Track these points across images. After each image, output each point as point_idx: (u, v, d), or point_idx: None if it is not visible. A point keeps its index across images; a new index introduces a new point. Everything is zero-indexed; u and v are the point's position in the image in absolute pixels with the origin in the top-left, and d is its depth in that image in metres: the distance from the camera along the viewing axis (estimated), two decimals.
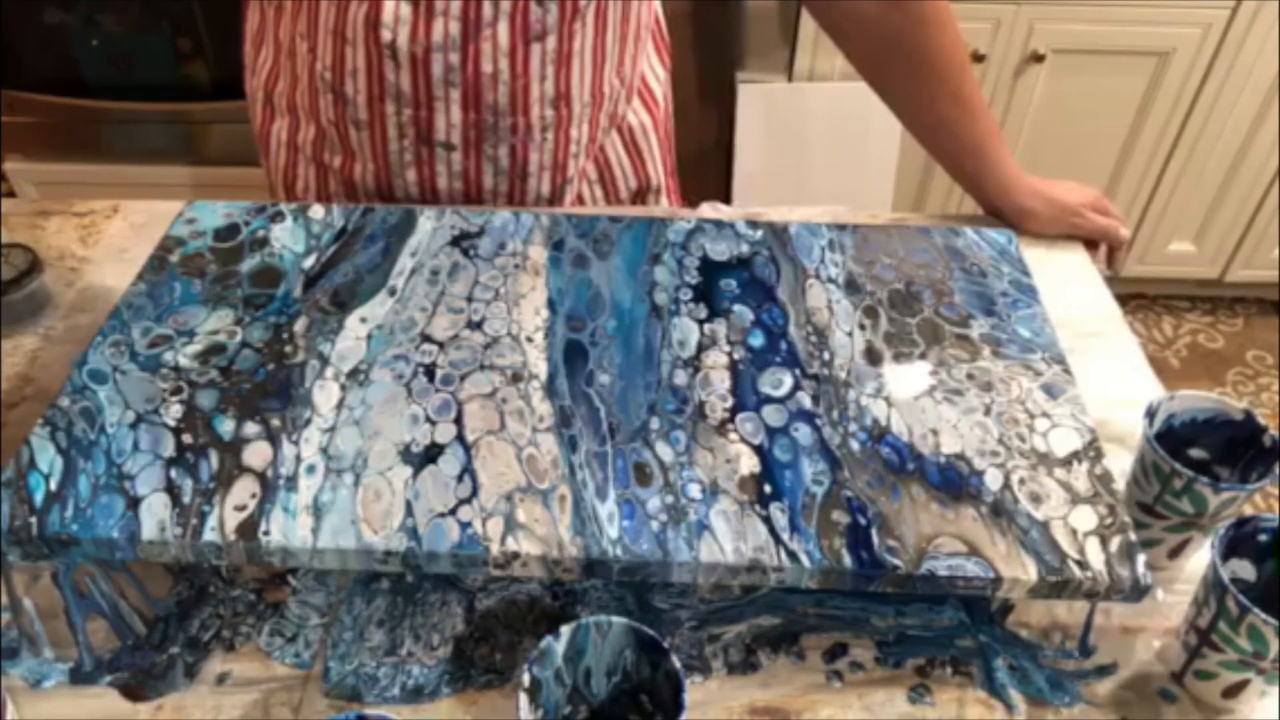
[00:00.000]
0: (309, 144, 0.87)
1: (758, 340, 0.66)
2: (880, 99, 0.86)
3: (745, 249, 0.74)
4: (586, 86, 0.82)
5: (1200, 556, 0.61)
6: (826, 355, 0.65)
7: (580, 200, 0.92)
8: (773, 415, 0.61)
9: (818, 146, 1.77)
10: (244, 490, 0.55)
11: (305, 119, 0.86)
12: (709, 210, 0.87)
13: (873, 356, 0.66)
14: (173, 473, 0.56)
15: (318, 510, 0.54)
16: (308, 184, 0.90)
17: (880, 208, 1.81)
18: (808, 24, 1.66)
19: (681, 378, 0.63)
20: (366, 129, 0.82)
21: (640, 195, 0.96)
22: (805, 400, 0.62)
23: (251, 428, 0.59)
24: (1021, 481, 0.57)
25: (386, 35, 0.76)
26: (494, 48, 0.77)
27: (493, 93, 0.79)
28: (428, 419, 0.60)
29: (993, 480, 0.57)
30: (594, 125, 0.86)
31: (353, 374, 0.62)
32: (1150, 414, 0.60)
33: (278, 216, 0.75)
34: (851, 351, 0.66)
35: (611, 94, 0.85)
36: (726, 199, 1.79)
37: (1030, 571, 0.53)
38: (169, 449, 0.57)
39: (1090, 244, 0.87)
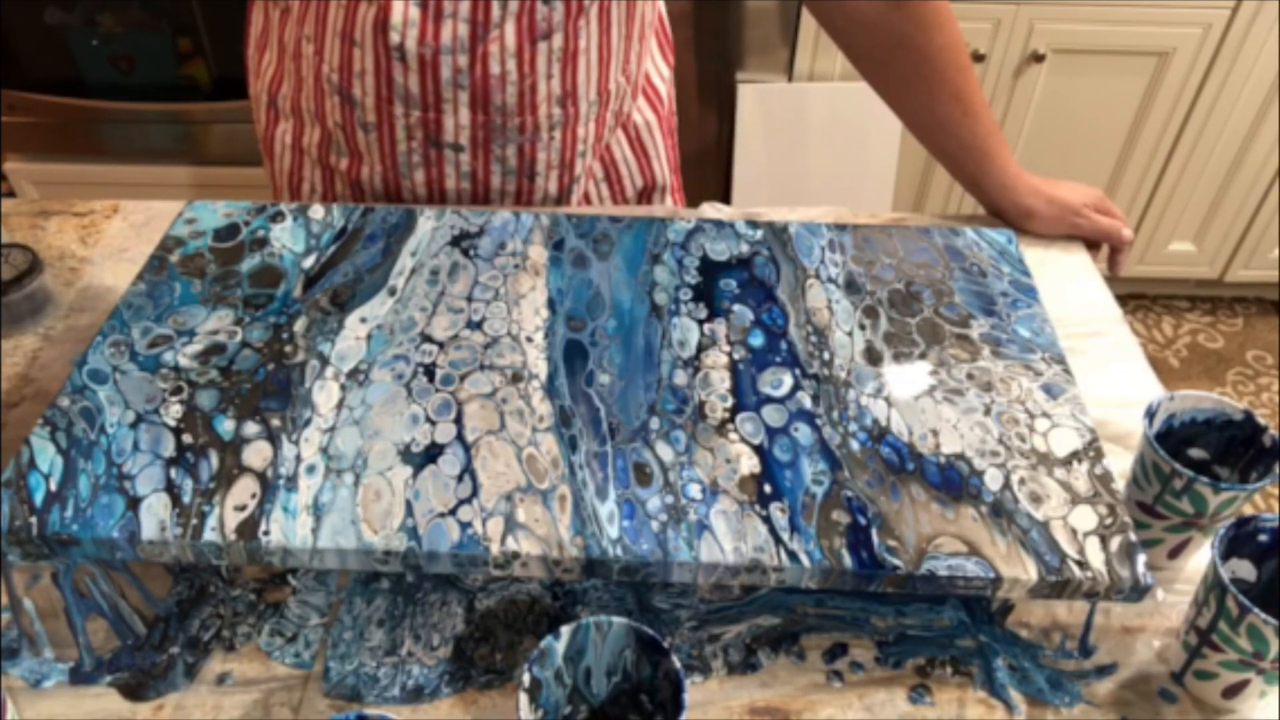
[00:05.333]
0: (314, 147, 0.87)
1: (758, 340, 0.66)
2: (881, 99, 0.86)
3: (745, 249, 0.74)
4: (593, 85, 0.82)
5: (1200, 556, 0.61)
6: (826, 355, 0.65)
7: (587, 199, 0.92)
8: (773, 415, 0.61)
9: (818, 146, 1.77)
10: (244, 490, 0.55)
11: (310, 122, 0.86)
12: (709, 210, 0.87)
13: (873, 356, 0.66)
14: (173, 473, 0.56)
15: (318, 510, 0.54)
16: (313, 186, 0.89)
17: (880, 208, 1.82)
18: (808, 24, 1.66)
19: (681, 378, 0.63)
20: (374, 131, 0.82)
21: (646, 194, 0.95)
22: (805, 400, 0.62)
23: (251, 428, 0.59)
24: (1021, 481, 0.57)
25: (395, 38, 0.76)
26: (501, 48, 0.77)
27: (501, 93, 0.79)
28: (428, 419, 0.60)
29: (993, 480, 0.57)
30: (600, 124, 0.86)
31: (353, 374, 0.62)
32: (1150, 414, 0.60)
33: (278, 216, 0.75)
34: (851, 351, 0.66)
35: (617, 92, 0.85)
36: (726, 199, 1.79)
37: (1030, 571, 0.53)
38: (169, 449, 0.57)
39: (1091, 244, 0.87)
